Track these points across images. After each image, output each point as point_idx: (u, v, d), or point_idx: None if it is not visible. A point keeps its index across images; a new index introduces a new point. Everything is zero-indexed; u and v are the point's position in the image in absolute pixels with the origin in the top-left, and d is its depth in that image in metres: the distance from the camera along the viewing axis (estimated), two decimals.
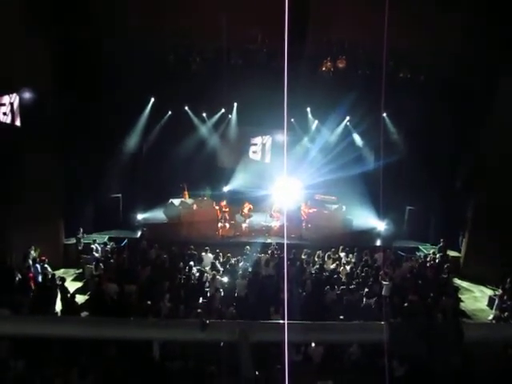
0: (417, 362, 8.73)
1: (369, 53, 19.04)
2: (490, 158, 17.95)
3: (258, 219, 21.37)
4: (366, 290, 14.33)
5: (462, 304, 16.47)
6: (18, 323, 4.78)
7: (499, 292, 15.52)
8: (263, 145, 24.57)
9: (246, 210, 20.99)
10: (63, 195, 18.14)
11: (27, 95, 16.25)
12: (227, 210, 21.13)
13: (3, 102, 16.27)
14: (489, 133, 17.87)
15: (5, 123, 16.27)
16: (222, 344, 9.43)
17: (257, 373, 7.49)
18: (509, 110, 16.96)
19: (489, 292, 17.14)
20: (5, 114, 16.24)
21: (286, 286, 13.14)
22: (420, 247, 20.17)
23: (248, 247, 17.16)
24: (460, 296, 16.99)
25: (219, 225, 20.47)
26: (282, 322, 3.50)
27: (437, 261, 17.71)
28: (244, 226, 20.87)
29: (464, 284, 18.27)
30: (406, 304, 13.60)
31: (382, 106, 16.90)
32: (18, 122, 16.42)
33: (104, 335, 4.37)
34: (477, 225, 18.80)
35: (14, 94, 16.18)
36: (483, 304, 16.73)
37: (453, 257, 19.15)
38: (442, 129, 19.81)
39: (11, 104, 16.28)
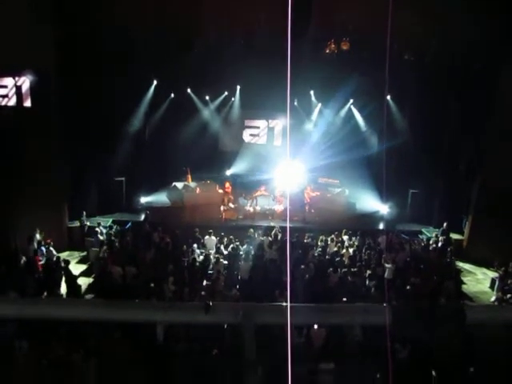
0: (419, 344, 8.81)
1: (373, 35, 18.85)
2: (494, 141, 17.87)
3: (262, 202, 21.40)
4: (369, 272, 14.41)
5: (464, 286, 16.55)
6: (24, 305, 4.84)
7: (501, 273, 15.55)
8: (269, 128, 24.52)
9: (258, 193, 21.14)
10: (67, 178, 18.18)
11: (31, 77, 16.26)
12: (229, 190, 21.18)
13: (3, 83, 16.32)
14: (492, 116, 17.78)
15: (5, 106, 16.36)
16: (225, 326, 9.54)
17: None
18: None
19: (491, 274, 17.18)
20: (6, 96, 16.30)
21: (289, 269, 13.19)
22: (423, 230, 20.21)
23: (251, 230, 17.20)
24: (462, 278, 17.07)
25: (222, 208, 20.49)
26: (285, 304, 3.53)
27: (440, 244, 17.74)
28: (247, 209, 20.91)
29: (466, 266, 18.32)
30: (409, 287, 13.67)
31: (386, 89, 16.80)
32: (28, 103, 16.45)
33: (109, 317, 4.42)
34: (480, 207, 18.77)
35: (23, 77, 16.22)
36: (485, 286, 16.79)
37: (456, 239, 19.17)
38: (445, 112, 19.73)
39: (17, 87, 16.34)
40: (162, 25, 18.54)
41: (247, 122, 24.54)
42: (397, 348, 10.18)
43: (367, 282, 14.15)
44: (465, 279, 17.20)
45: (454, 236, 19.29)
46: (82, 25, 16.93)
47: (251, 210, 20.90)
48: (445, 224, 18.79)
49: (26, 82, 16.45)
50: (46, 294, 12.84)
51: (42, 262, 14.72)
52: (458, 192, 20.11)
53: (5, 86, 16.56)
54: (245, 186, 21.99)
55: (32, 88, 16.44)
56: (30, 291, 12.55)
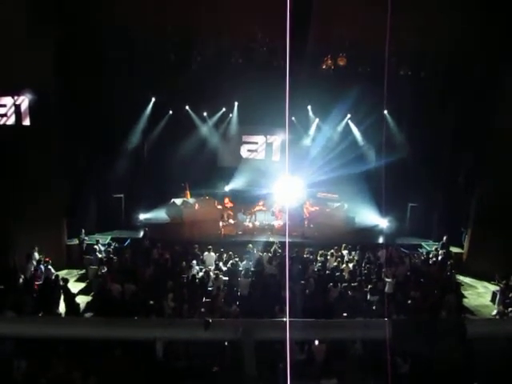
0: (420, 358, 8.75)
1: (369, 50, 19.02)
2: (493, 153, 17.90)
3: (261, 218, 21.40)
4: (370, 287, 14.35)
5: (465, 300, 16.46)
6: (23, 324, 4.81)
7: (502, 286, 15.49)
8: (268, 144, 24.57)
9: (257, 208, 21.17)
10: (66, 196, 18.16)
11: (30, 96, 16.33)
12: (231, 205, 21.25)
13: (2, 103, 16.40)
14: (491, 128, 17.83)
15: (4, 124, 16.42)
16: (226, 343, 9.46)
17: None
18: (510, 107, 16.93)
19: (492, 288, 17.12)
20: (5, 115, 16.38)
21: (288, 285, 13.16)
22: (422, 244, 20.16)
23: (250, 245, 17.19)
24: (463, 292, 16.98)
25: (221, 224, 20.47)
26: (284, 319, 3.51)
27: (439, 257, 17.70)
28: (246, 224, 20.89)
29: (467, 280, 18.24)
30: (409, 301, 13.61)
31: (385, 103, 16.88)
32: (27, 122, 16.56)
33: (108, 335, 4.40)
34: (479, 221, 18.75)
35: (22, 96, 16.34)
36: (486, 300, 16.70)
37: (455, 253, 19.12)
38: (443, 125, 19.80)
39: (16, 105, 16.42)
40: (160, 40, 18.68)
41: (245, 138, 24.59)
42: (398, 362, 10.12)
43: (368, 297, 14.10)
44: (465, 293, 17.10)
45: (454, 249, 19.24)
46: (80, 43, 17.05)
47: (250, 225, 20.89)
48: (445, 237, 18.75)
49: (24, 101, 16.52)
50: (43, 313, 12.73)
51: (40, 281, 14.63)
52: (457, 205, 20.09)
53: (3, 105, 16.64)
54: (243, 201, 22.00)
55: (31, 107, 16.51)
56: (27, 310, 12.45)
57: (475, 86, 18.04)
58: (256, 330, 3.63)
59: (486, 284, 17.88)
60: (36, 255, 15.81)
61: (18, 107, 16.54)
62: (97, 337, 4.14)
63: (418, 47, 18.94)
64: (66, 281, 14.02)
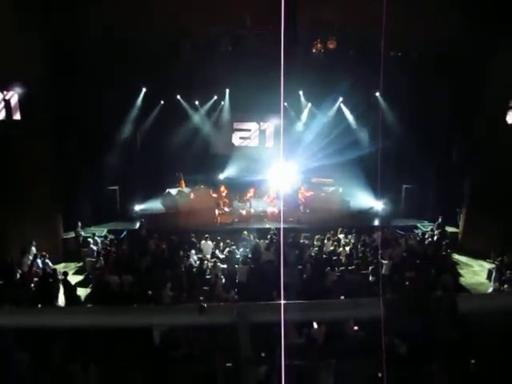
0: (416, 337, 8.82)
1: (359, 32, 18.94)
2: (486, 132, 17.91)
3: (256, 204, 21.43)
4: (367, 269, 14.42)
5: (461, 278, 16.57)
6: (22, 315, 4.83)
7: (497, 263, 15.59)
8: (261, 130, 24.53)
9: (248, 196, 21.18)
10: (61, 190, 18.13)
11: (23, 91, 16.22)
12: (226, 192, 21.29)
13: None
14: (484, 107, 17.82)
15: None
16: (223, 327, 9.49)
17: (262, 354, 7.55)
18: (502, 84, 16.92)
19: (487, 265, 17.24)
20: None
21: (283, 269, 13.20)
22: (418, 225, 20.28)
23: (245, 232, 17.26)
24: (459, 271, 17.11)
25: (217, 212, 20.50)
26: (278, 302, 3.54)
27: (435, 237, 17.79)
28: (242, 211, 20.92)
29: (463, 259, 18.36)
30: (407, 283, 13.69)
31: (381, 87, 16.84)
32: (17, 116, 16.50)
33: (105, 323, 4.43)
34: (474, 200, 18.85)
35: (11, 92, 16.26)
36: (482, 277, 16.84)
37: (451, 233, 19.22)
38: (436, 105, 19.78)
39: (5, 100, 16.32)
40: (149, 30, 18.55)
41: (236, 125, 24.55)
42: (396, 343, 10.18)
43: (370, 278, 14.17)
44: (461, 271, 17.24)
45: (449, 229, 19.34)
46: (68, 33, 16.93)
47: (245, 212, 20.90)
48: (440, 218, 18.86)
49: (14, 96, 16.43)
50: (41, 306, 12.74)
51: (37, 275, 14.64)
52: (452, 185, 20.16)
53: None
54: (238, 189, 22.02)
55: (21, 101, 16.42)
56: (25, 304, 12.46)
57: (466, 62, 17.98)
58: (250, 313, 3.67)
59: (481, 262, 18.00)
60: (33, 249, 15.83)
61: (7, 102, 16.46)
62: (94, 325, 4.17)
63: (407, 28, 18.81)
64: (65, 274, 14.07)
